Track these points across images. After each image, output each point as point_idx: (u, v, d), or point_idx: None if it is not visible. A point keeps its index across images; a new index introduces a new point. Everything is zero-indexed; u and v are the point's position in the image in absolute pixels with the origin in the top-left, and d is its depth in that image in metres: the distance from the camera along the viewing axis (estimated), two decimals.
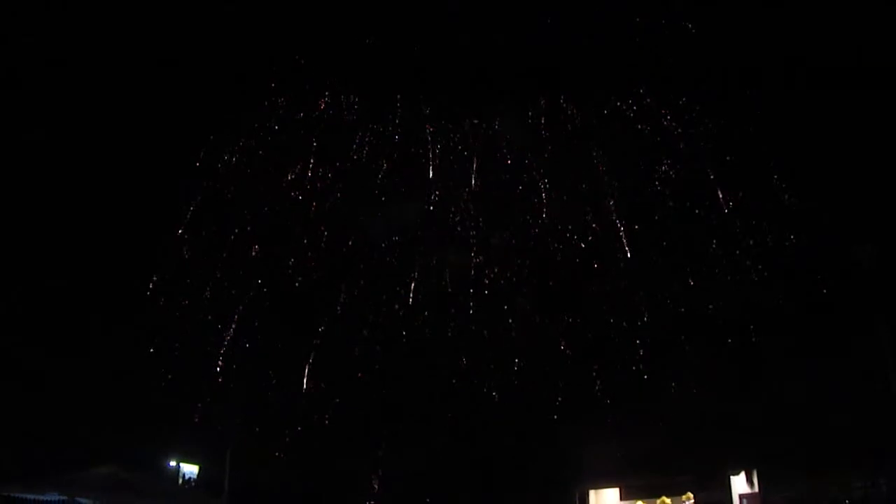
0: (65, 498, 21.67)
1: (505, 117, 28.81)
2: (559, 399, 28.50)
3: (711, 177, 27.87)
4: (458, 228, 29.99)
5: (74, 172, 27.69)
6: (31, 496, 21.91)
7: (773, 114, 27.00)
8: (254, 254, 29.22)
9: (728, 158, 27.59)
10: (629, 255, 29.01)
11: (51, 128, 26.88)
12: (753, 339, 27.68)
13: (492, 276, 30.09)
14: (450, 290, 30.45)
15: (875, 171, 26.96)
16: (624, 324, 29.10)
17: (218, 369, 27.64)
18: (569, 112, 28.30)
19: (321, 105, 28.86)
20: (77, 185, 27.81)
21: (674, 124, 28.00)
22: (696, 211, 28.30)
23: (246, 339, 28.80)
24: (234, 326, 28.42)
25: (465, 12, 27.01)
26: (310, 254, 29.94)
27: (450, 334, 30.35)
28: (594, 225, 29.24)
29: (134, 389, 26.34)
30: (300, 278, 30.02)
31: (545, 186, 29.27)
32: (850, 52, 26.13)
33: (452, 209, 29.85)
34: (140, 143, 28.45)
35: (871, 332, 24.08)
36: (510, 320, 30.11)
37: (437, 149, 29.08)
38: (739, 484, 27.89)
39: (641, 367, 28.82)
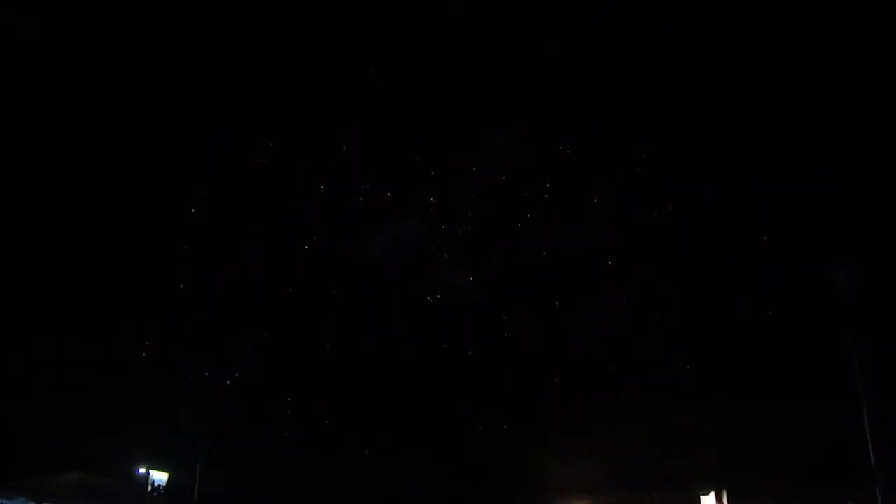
0: (32, 503, 21.66)
1: (503, 139, 28.97)
2: (530, 415, 28.65)
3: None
4: (454, 249, 30.28)
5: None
6: None
7: (752, 135, 27.28)
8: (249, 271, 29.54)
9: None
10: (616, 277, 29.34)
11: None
12: (727, 361, 27.87)
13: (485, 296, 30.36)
14: (439, 309, 30.74)
15: (851, 192, 27.14)
16: (601, 342, 29.37)
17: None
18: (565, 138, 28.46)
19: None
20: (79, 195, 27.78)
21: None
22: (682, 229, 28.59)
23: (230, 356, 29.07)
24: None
25: (465, 29, 27.18)
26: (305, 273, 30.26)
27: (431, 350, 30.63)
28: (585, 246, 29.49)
29: (105, 395, 26.40)
30: (293, 296, 30.34)
31: (540, 208, 29.52)
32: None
33: (448, 230, 30.10)
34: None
35: (843, 353, 24.27)
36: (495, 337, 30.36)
37: (436, 170, 29.21)
38: None
39: (614, 385, 29.05)
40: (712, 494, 27.88)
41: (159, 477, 28.07)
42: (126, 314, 27.79)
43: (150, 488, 27.44)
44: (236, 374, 29.13)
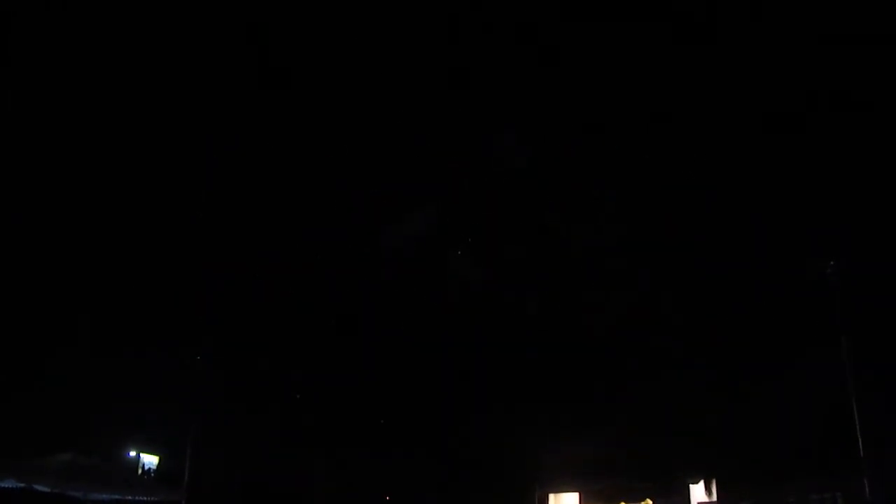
0: (22, 485, 21.46)
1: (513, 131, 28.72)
2: (521, 404, 28.75)
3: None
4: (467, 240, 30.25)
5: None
6: None
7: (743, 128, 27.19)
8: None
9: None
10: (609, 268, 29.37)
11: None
12: (716, 351, 27.99)
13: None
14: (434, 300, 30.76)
15: (842, 185, 27.16)
16: (592, 333, 29.45)
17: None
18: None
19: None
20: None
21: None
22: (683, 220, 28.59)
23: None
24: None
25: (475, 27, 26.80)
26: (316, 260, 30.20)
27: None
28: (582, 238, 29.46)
29: (96, 377, 26.27)
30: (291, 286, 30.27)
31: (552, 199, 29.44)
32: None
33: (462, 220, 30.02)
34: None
35: (832, 346, 24.41)
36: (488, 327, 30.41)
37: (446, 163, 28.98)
38: (698, 492, 28.19)
39: (606, 374, 29.17)
40: (701, 483, 28.18)
41: (150, 460, 28.08)
42: (121, 295, 27.61)
43: (140, 471, 27.42)
44: (229, 359, 29.07)
